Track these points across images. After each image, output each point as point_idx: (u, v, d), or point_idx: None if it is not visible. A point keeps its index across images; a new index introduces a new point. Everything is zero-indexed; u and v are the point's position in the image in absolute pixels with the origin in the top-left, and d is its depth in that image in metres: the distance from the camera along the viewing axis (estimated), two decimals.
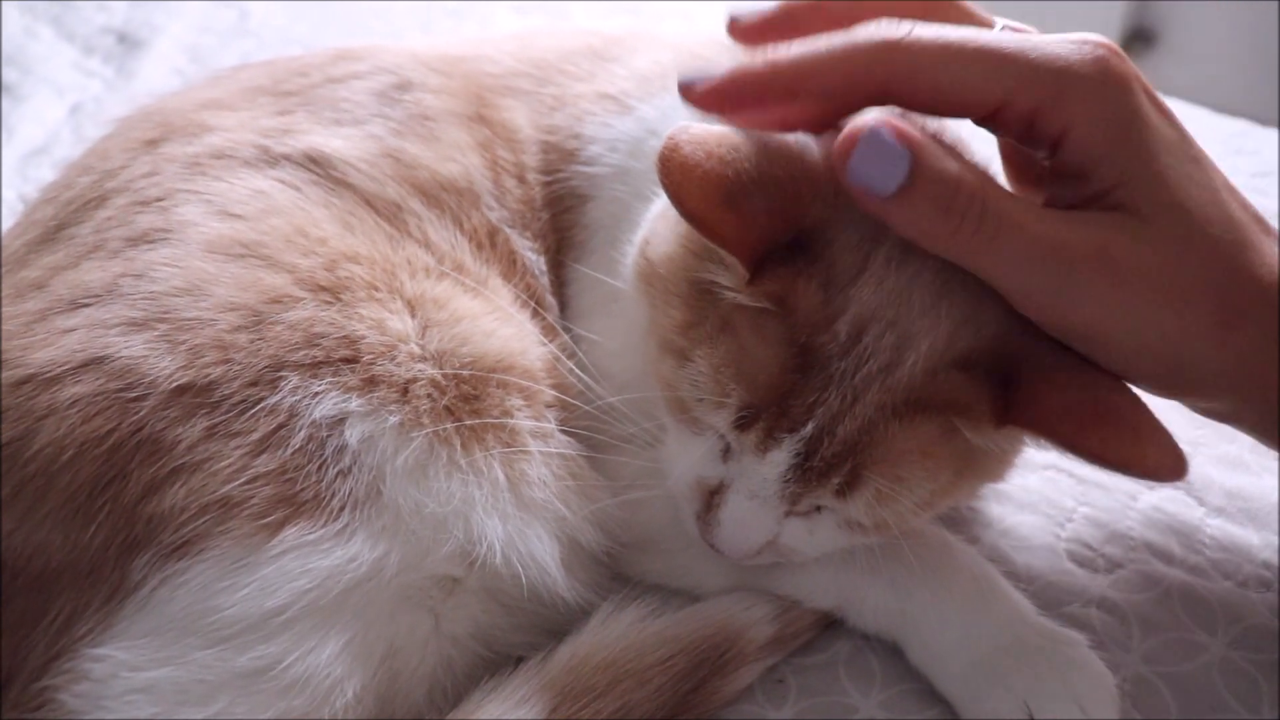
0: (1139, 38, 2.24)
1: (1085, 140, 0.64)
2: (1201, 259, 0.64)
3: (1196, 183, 0.66)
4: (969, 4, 0.74)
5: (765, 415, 0.66)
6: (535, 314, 0.81)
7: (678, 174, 0.63)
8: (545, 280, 0.84)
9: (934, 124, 0.70)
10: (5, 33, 1.47)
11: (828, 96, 0.65)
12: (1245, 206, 0.68)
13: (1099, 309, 0.64)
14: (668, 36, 0.94)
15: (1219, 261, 0.65)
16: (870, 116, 0.61)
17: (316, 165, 0.79)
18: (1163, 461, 0.64)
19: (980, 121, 0.67)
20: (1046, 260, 0.62)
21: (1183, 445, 0.65)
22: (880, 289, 0.66)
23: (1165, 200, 0.64)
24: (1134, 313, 0.64)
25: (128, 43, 1.48)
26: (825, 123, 0.67)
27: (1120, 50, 0.66)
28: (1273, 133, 1.36)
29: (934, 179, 0.61)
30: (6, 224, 0.98)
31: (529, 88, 0.88)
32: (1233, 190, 0.68)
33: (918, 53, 0.64)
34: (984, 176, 0.63)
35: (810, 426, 0.65)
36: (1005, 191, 0.63)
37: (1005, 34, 0.68)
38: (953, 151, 0.63)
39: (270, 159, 0.79)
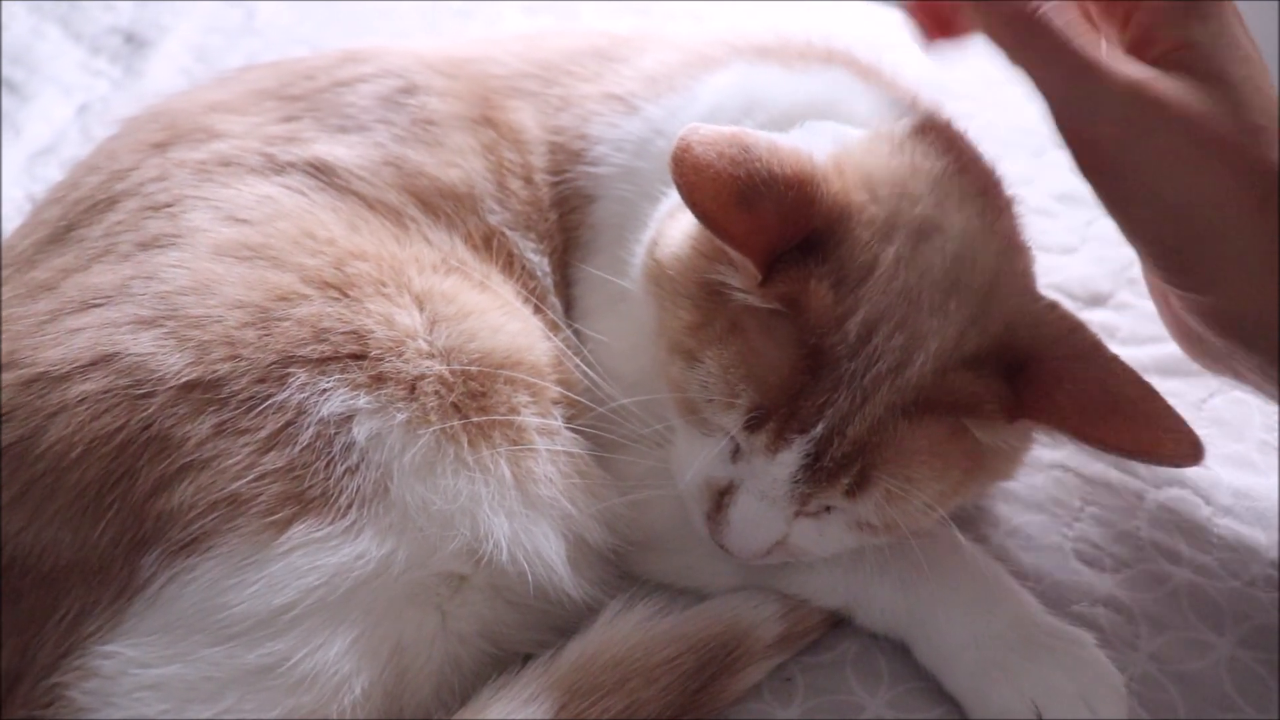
0: None
1: (1158, 3, 0.69)
2: (1238, 134, 0.66)
3: (1246, 77, 0.68)
4: None
5: (775, 416, 0.66)
6: (537, 311, 0.81)
7: (690, 174, 0.64)
8: (548, 281, 0.84)
9: None
10: (13, 32, 1.48)
11: None
12: None
13: (1122, 138, 0.67)
14: (674, 37, 0.94)
15: (1257, 146, 0.66)
16: None
17: (321, 173, 0.80)
18: (1179, 447, 0.64)
19: None
20: (1080, 78, 0.66)
21: None
22: (890, 289, 0.66)
23: (1221, 72, 0.67)
24: (1155, 152, 0.66)
25: (134, 42, 1.48)
26: None
27: None
28: None
29: None
30: (15, 223, 0.98)
31: (535, 89, 0.88)
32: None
33: None
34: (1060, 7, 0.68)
35: (820, 427, 0.65)
36: (1074, 21, 0.68)
37: None
38: None
39: (276, 166, 0.80)
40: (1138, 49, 0.70)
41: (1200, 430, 0.66)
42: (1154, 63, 0.68)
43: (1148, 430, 0.64)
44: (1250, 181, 0.66)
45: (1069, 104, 0.68)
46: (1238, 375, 0.77)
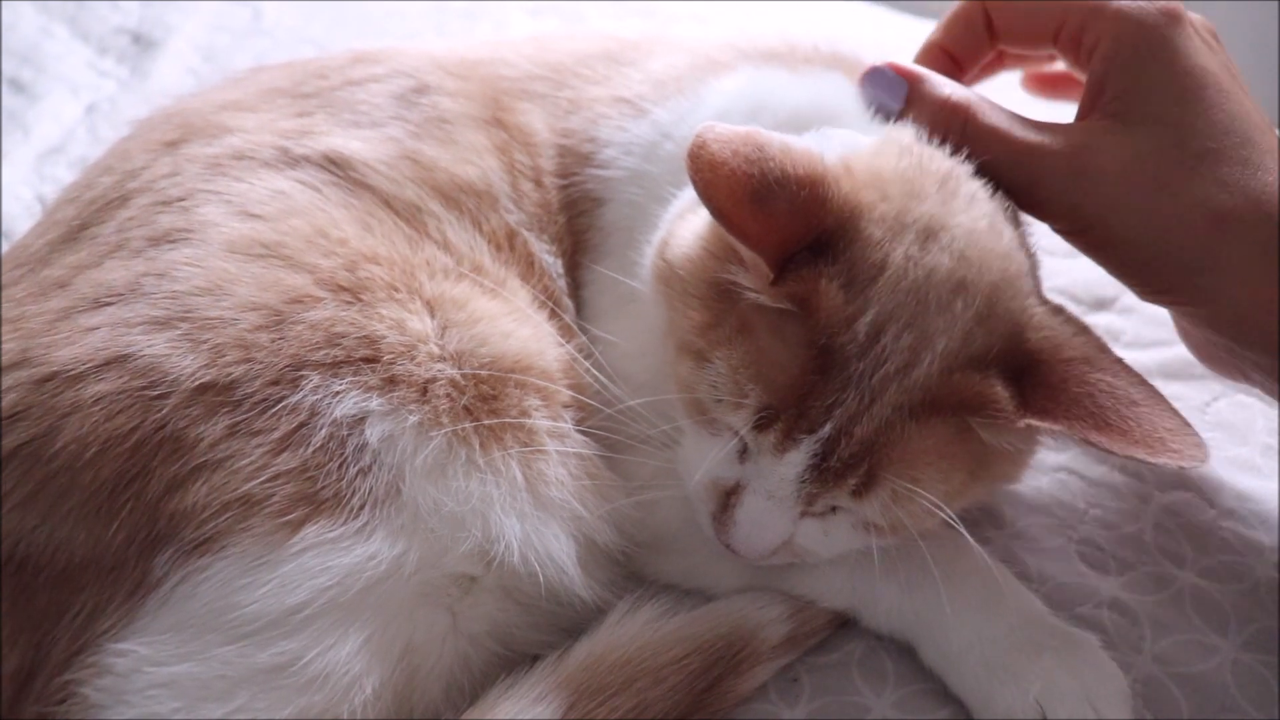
0: None
1: (1104, 52, 0.75)
2: (1184, 163, 0.72)
3: (1208, 104, 0.73)
4: None
5: (783, 416, 0.67)
6: (553, 315, 0.82)
7: (706, 171, 0.64)
8: (562, 282, 0.85)
9: None
10: (21, 31, 1.48)
11: (959, 46, 0.85)
12: (1272, 144, 0.74)
13: (1072, 200, 0.74)
14: (682, 41, 0.95)
15: (1208, 169, 0.72)
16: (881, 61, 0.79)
17: (336, 166, 0.80)
18: (1183, 449, 0.64)
19: (1059, 51, 0.81)
20: (1025, 160, 0.74)
21: None
22: (898, 289, 0.66)
23: (1155, 109, 0.74)
24: (1108, 204, 0.73)
25: (142, 42, 1.49)
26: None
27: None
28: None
29: (927, 101, 0.78)
30: (25, 223, 0.99)
31: (545, 91, 0.89)
32: (1264, 127, 0.75)
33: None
34: (976, 98, 0.77)
35: (828, 427, 0.66)
36: (997, 109, 0.77)
37: None
38: (952, 82, 0.78)
39: (290, 160, 0.80)
40: (1093, 97, 0.77)
41: (1204, 434, 0.66)
42: (1106, 111, 0.75)
43: (1152, 432, 0.65)
44: (1193, 206, 0.72)
45: (1026, 184, 0.75)
46: (1247, 378, 0.78)
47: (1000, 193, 0.74)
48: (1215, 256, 0.72)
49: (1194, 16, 0.78)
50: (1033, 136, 0.75)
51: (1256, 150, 0.72)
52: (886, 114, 0.79)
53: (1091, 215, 0.74)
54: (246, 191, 0.77)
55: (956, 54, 0.85)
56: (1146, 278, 0.76)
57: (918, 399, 0.66)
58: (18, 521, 0.65)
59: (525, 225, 0.84)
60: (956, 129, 0.76)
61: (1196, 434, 0.65)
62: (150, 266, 0.72)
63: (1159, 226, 0.72)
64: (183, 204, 0.76)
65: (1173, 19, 0.75)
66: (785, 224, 0.65)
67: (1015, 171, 0.75)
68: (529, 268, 0.82)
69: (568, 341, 0.80)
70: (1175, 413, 0.65)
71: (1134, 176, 0.73)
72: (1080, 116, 0.78)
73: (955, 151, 0.74)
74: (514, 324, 0.77)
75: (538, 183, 0.85)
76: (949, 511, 0.71)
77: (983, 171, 0.74)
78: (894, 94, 0.79)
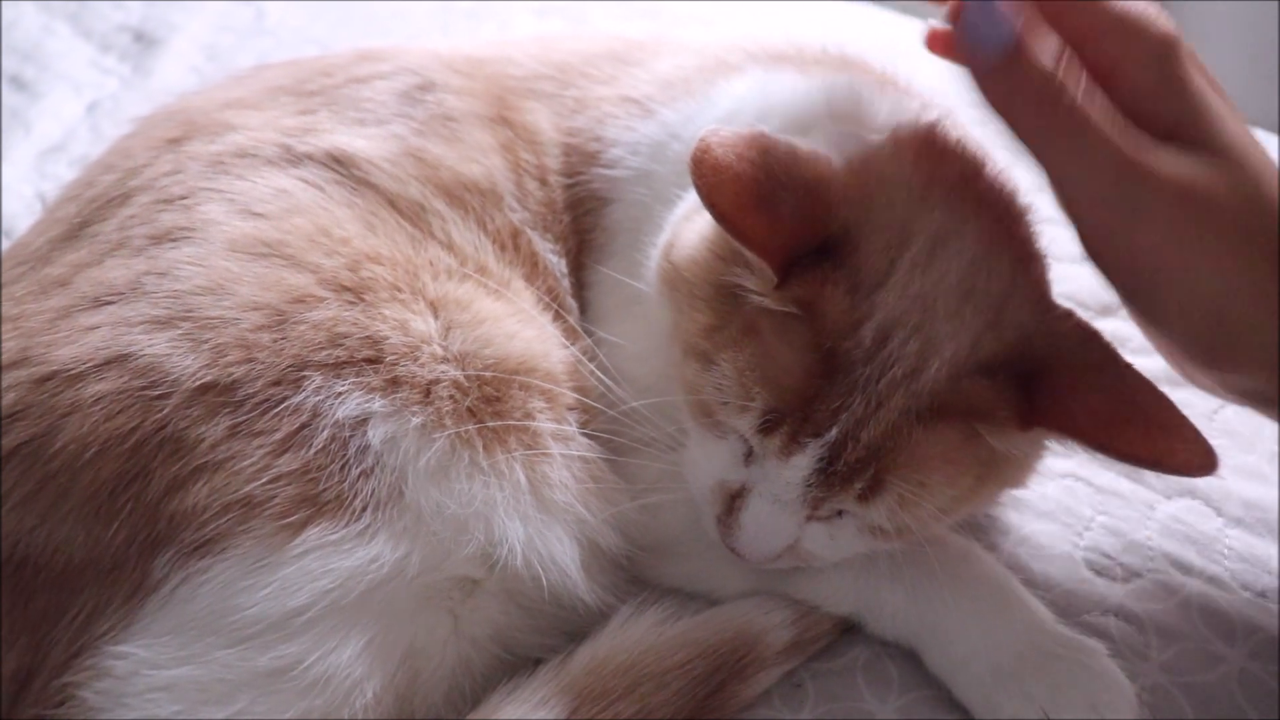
0: None
1: (1136, 78, 0.65)
2: (1268, 216, 0.65)
3: (1244, 138, 0.66)
4: None
5: (789, 419, 0.66)
6: (557, 316, 0.81)
7: (710, 175, 0.64)
8: (567, 283, 0.84)
9: None
10: (23, 29, 1.48)
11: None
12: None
13: (1168, 240, 0.64)
14: (690, 42, 0.94)
15: (1269, 217, 0.65)
16: None
17: (339, 165, 0.80)
18: (1192, 456, 0.64)
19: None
20: (1122, 181, 0.63)
21: None
22: (905, 294, 0.66)
23: (1233, 155, 0.65)
24: (1200, 253, 0.64)
25: (144, 41, 1.48)
26: None
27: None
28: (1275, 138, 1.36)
29: (1033, 65, 0.62)
30: (26, 221, 0.98)
31: (551, 90, 0.88)
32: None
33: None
34: (1089, 82, 0.63)
35: (834, 431, 0.65)
36: (1106, 106, 0.64)
37: None
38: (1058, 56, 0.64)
39: (293, 158, 0.80)
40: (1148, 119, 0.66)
41: (1211, 441, 0.66)
42: (1195, 141, 0.65)
43: (1162, 439, 0.64)
44: (1266, 254, 0.65)
45: (1109, 205, 0.64)
46: (1230, 399, 0.76)
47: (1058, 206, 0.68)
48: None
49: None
50: (1143, 156, 0.63)
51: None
52: (985, 53, 0.63)
53: (1172, 255, 0.64)
54: (249, 190, 0.77)
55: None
56: (1212, 339, 0.67)
57: (925, 404, 0.65)
58: (17, 522, 0.64)
59: (529, 224, 0.83)
60: (1063, 110, 0.62)
61: (1207, 442, 0.64)
62: (152, 265, 0.72)
63: (1235, 281, 0.64)
64: (184, 202, 0.76)
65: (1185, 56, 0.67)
66: (790, 228, 0.65)
67: (1104, 187, 0.63)
68: (533, 268, 0.82)
69: (571, 343, 0.80)
70: (1186, 420, 0.65)
71: (1235, 228, 0.63)
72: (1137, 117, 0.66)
73: (1028, 139, 0.64)
74: (518, 325, 0.77)
75: (543, 181, 0.85)
76: (955, 517, 0.71)
77: (1054, 180, 0.66)
78: (1001, 28, 0.62)
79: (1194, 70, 0.67)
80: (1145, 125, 0.65)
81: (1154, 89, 0.66)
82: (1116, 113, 0.64)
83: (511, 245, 0.82)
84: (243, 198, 0.76)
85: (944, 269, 0.67)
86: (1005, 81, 0.63)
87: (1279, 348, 0.66)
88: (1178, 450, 0.64)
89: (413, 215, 0.79)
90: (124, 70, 1.44)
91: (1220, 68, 0.71)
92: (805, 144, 0.68)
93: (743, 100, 0.83)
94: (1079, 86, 0.63)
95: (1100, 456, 0.65)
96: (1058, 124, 0.62)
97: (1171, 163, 0.63)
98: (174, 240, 0.73)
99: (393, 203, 0.79)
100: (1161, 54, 0.66)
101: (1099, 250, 0.67)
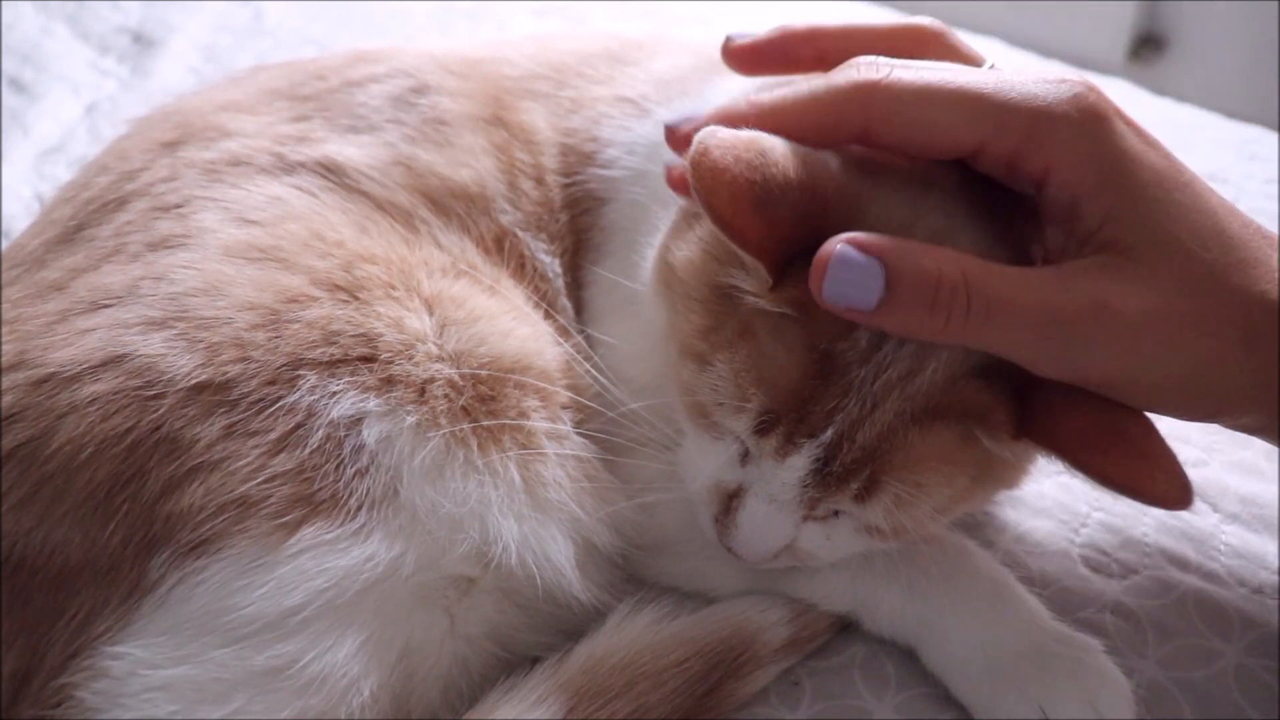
0: (1149, 43, 2.23)
1: (1067, 179, 0.64)
2: (1204, 288, 0.64)
3: (1188, 209, 0.65)
4: (957, 41, 0.75)
5: (785, 420, 0.66)
6: (546, 316, 0.81)
7: (708, 178, 0.63)
8: (559, 283, 0.84)
9: None
10: (21, 31, 1.48)
11: (809, 138, 0.67)
12: (1246, 224, 0.67)
13: (1109, 362, 0.63)
14: (686, 41, 0.94)
15: (1223, 288, 0.64)
16: (835, 239, 0.61)
17: (330, 173, 0.80)
18: (1169, 490, 0.64)
19: (974, 164, 0.67)
20: (1045, 329, 0.62)
21: (1197, 450, 0.64)
22: None
23: (1156, 234, 0.64)
24: (1146, 356, 0.63)
25: (143, 42, 1.48)
26: None
27: (1096, 86, 0.66)
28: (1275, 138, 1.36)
29: (911, 282, 0.61)
30: (24, 222, 0.99)
31: (547, 90, 0.88)
32: (1230, 209, 0.67)
33: (895, 95, 0.65)
34: (966, 261, 0.62)
35: (830, 432, 0.65)
36: (992, 269, 0.63)
37: (985, 73, 0.68)
38: (926, 246, 0.63)
39: (286, 166, 0.80)
40: (1068, 227, 0.65)
41: (1207, 436, 0.66)
42: (1098, 246, 0.64)
43: (1142, 468, 0.64)
44: (1226, 335, 0.64)
45: (1047, 355, 0.63)
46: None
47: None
48: (1254, 373, 0.65)
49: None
50: (1048, 297, 0.62)
51: (1234, 242, 0.65)
52: (863, 308, 0.61)
53: (1131, 370, 0.64)
54: (243, 198, 0.77)
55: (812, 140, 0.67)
56: (1193, 410, 0.68)
57: (921, 405, 0.65)
58: (14, 523, 0.64)
59: (521, 225, 0.83)
60: (959, 311, 0.61)
61: (1185, 477, 0.64)
62: (148, 271, 0.72)
63: (1200, 363, 0.64)
64: (180, 210, 0.76)
65: (1109, 119, 0.65)
66: (786, 230, 0.65)
67: (1037, 344, 0.62)
68: (519, 269, 0.82)
69: (564, 342, 0.80)
70: (1168, 451, 0.64)
71: (1165, 323, 0.63)
72: (1057, 252, 0.66)
73: (952, 342, 0.64)
74: (513, 322, 0.77)
75: (539, 181, 0.85)
76: (951, 516, 0.71)
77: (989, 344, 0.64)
78: (870, 283, 0.61)
79: (1130, 143, 0.65)
80: (1081, 223, 0.64)
81: (1088, 188, 0.65)
82: (1005, 270, 0.63)
83: (496, 249, 0.82)
84: (237, 205, 0.76)
85: None
86: (892, 311, 0.62)
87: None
88: (1156, 480, 0.63)
89: (403, 221, 0.79)
90: (122, 72, 1.44)
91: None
92: (801, 146, 0.68)
93: (739, 99, 0.83)
94: (958, 267, 0.62)
95: (1079, 475, 0.65)
96: (958, 319, 0.61)
97: (1079, 289, 0.62)
98: (170, 247, 0.74)
99: (383, 209, 0.79)
100: (1095, 143, 0.65)
101: (1071, 381, 0.66)
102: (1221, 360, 0.64)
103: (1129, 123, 0.66)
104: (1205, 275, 0.64)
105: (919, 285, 0.61)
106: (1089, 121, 0.64)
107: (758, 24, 0.78)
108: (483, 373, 0.73)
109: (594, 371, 0.78)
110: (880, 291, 0.61)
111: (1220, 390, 0.66)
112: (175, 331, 0.68)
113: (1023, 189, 0.67)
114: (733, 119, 0.68)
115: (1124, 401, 0.65)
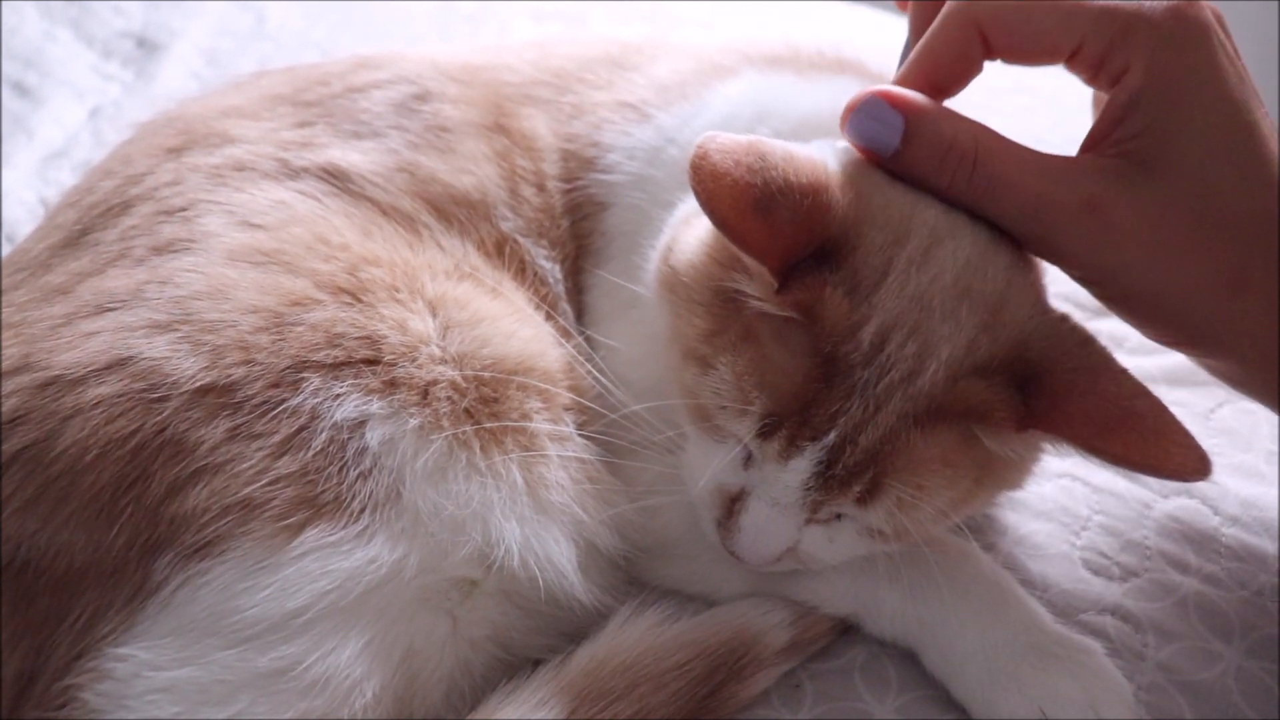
0: None
1: (1134, 82, 0.68)
2: (1208, 221, 0.66)
3: (1232, 145, 0.67)
4: None
5: (788, 424, 0.66)
6: (548, 318, 0.82)
7: (709, 181, 0.64)
8: (560, 288, 0.85)
9: None
10: (24, 35, 1.48)
11: (946, 68, 0.71)
12: None
13: (1087, 256, 0.68)
14: (686, 45, 0.95)
15: (1229, 227, 0.66)
16: (872, 89, 0.69)
17: (335, 179, 0.81)
18: (1186, 462, 0.64)
19: (1070, 68, 0.71)
20: (1035, 214, 0.68)
21: None
22: (902, 294, 0.66)
23: (1182, 158, 0.67)
24: (1126, 262, 0.67)
25: (146, 46, 1.49)
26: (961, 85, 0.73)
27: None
28: None
29: (925, 141, 0.68)
30: (28, 227, 0.99)
31: (548, 96, 0.89)
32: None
33: (999, 10, 0.69)
34: (984, 135, 0.68)
35: (832, 435, 0.65)
36: (1007, 147, 0.68)
37: None
38: (956, 115, 0.69)
39: (290, 171, 0.81)
40: (1110, 125, 0.69)
41: (1208, 440, 0.66)
42: (1124, 150, 0.68)
43: (1156, 444, 0.64)
44: (1215, 270, 0.67)
45: (1037, 237, 0.69)
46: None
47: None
48: (1233, 318, 0.68)
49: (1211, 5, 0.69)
50: (1044, 186, 0.67)
51: (1270, 192, 0.68)
52: (880, 151, 0.69)
53: (1106, 270, 0.69)
54: (248, 202, 0.77)
55: (941, 77, 0.71)
56: (1162, 331, 0.72)
57: (923, 407, 0.66)
58: (19, 526, 0.65)
59: (522, 231, 0.84)
60: (962, 177, 0.68)
61: (1200, 447, 0.64)
62: (153, 274, 0.72)
63: (1178, 286, 0.68)
64: (185, 214, 0.77)
65: (1205, 34, 0.67)
66: (788, 233, 0.65)
67: (1025, 224, 0.68)
68: (520, 274, 0.83)
69: (566, 344, 0.80)
70: (1180, 425, 0.65)
71: (1154, 236, 0.67)
72: (1091, 143, 0.70)
73: (957, 201, 0.69)
74: (516, 324, 0.77)
75: (540, 187, 0.85)
76: (953, 518, 0.71)
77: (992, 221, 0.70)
78: (889, 129, 0.68)
79: (1216, 62, 0.68)
80: (1123, 128, 0.68)
81: (1143, 96, 0.67)
82: (1020, 152, 0.69)
83: (496, 254, 0.82)
84: (242, 210, 0.77)
85: (940, 268, 0.67)
86: (904, 161, 0.69)
87: (1247, 335, 0.68)
88: (1172, 455, 0.64)
89: (407, 225, 0.80)
90: (126, 76, 1.44)
91: None
92: (802, 149, 0.68)
93: (739, 104, 0.84)
94: (973, 140, 0.68)
95: (1094, 460, 0.66)
96: (961, 184, 0.68)
97: (1076, 184, 0.67)
98: (175, 251, 0.74)
99: (387, 214, 0.80)
100: (1177, 53, 0.67)
101: (1065, 267, 0.71)
102: (1202, 291, 0.67)
103: (1224, 42, 0.69)
104: (1216, 210, 0.66)
105: (932, 145, 0.68)
106: (1180, 31, 0.67)
107: (757, 25, 0.79)
108: (486, 374, 0.73)
109: (596, 374, 0.79)
110: (898, 140, 0.68)
111: (1196, 321, 0.69)
112: (180, 335, 0.68)
113: (1102, 89, 0.71)
114: (892, 93, 0.70)
115: (1100, 300, 0.70)
